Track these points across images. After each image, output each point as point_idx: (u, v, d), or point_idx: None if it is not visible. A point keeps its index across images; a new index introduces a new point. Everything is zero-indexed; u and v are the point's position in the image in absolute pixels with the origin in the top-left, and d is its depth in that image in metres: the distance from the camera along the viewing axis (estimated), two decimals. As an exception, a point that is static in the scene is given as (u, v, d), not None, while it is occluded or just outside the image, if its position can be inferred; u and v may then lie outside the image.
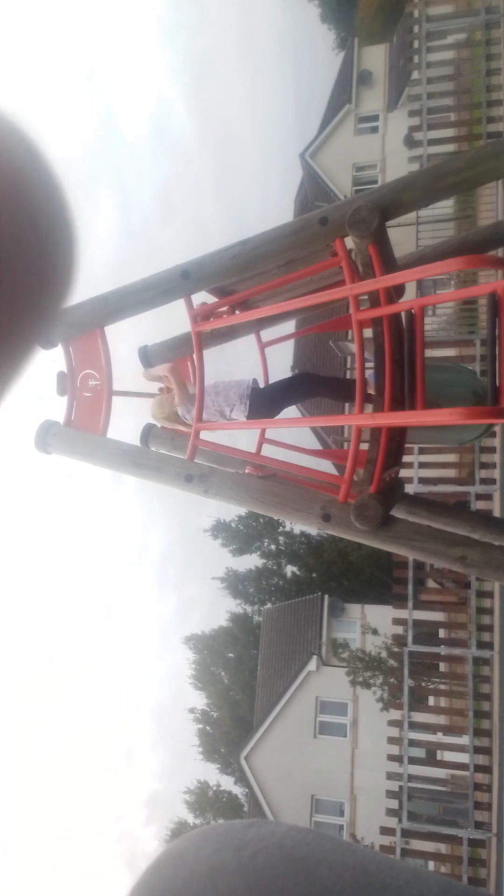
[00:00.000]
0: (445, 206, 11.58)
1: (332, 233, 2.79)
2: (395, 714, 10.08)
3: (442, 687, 10.39)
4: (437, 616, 11.34)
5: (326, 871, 0.48)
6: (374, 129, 20.96)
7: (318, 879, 0.48)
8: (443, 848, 10.09)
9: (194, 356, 3.32)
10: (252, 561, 29.45)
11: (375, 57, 21.43)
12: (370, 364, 2.83)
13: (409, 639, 9.64)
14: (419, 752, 10.41)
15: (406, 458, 8.61)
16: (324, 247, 2.93)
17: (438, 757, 11.33)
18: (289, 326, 4.85)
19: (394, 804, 9.49)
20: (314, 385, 3.90)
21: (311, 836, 0.52)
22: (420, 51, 10.51)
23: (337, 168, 20.76)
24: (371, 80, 21.15)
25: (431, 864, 9.91)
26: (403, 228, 9.75)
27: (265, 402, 3.49)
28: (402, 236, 8.34)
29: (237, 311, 3.60)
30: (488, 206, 11.13)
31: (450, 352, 10.62)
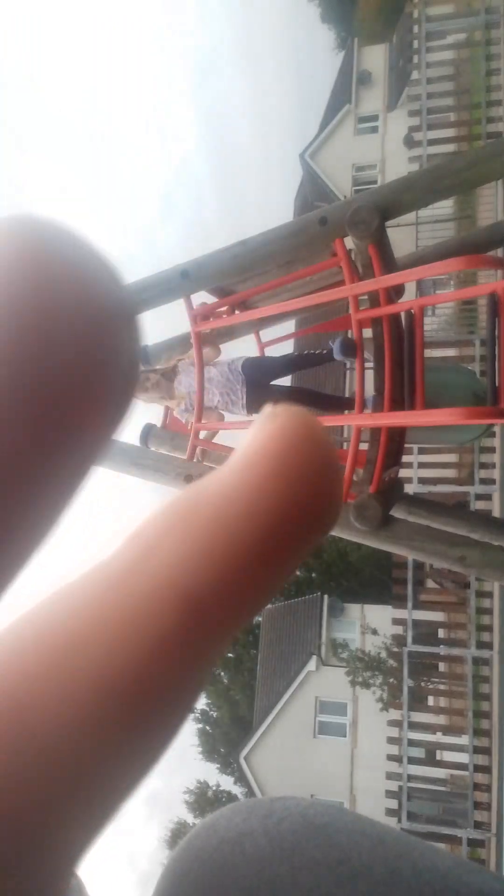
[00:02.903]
0: (445, 207, 11.58)
1: (332, 233, 2.80)
2: (394, 714, 10.09)
3: (441, 687, 10.40)
4: (436, 616, 11.35)
5: (345, 838, 0.52)
6: (374, 130, 20.96)
7: (336, 844, 0.51)
8: (442, 848, 10.10)
9: (194, 356, 3.33)
10: (251, 561, 29.46)
11: (375, 57, 21.44)
12: (370, 364, 2.84)
13: (409, 639, 9.65)
14: (419, 753, 10.42)
15: (406, 459, 8.62)
16: (323, 247, 2.94)
17: (438, 757, 11.34)
18: (288, 326, 4.85)
19: (393, 804, 9.50)
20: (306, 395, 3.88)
21: (332, 809, 0.56)
22: (420, 51, 10.51)
23: (336, 168, 20.77)
24: (371, 80, 21.17)
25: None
26: (403, 229, 9.76)
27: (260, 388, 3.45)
28: (402, 236, 8.35)
29: (237, 312, 3.60)
30: (488, 207, 11.13)
31: (449, 352, 10.63)
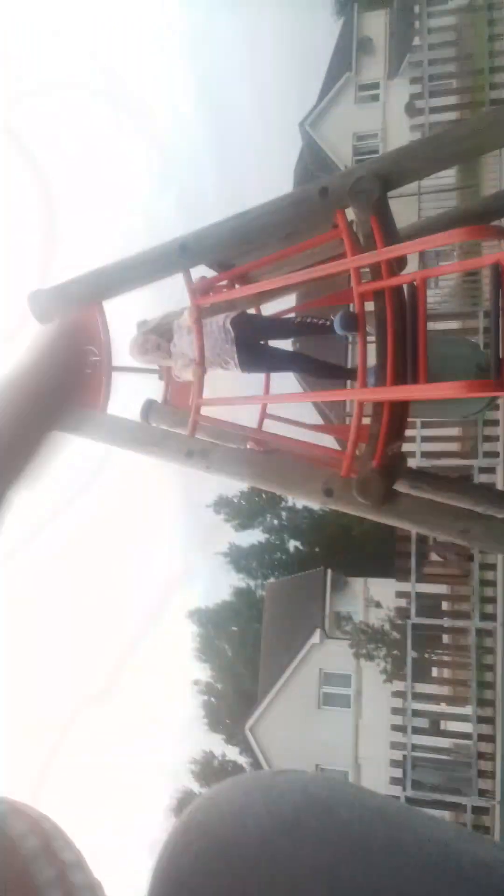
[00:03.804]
0: (448, 176, 11.40)
1: (333, 204, 2.75)
2: (398, 685, 10.19)
3: (445, 658, 10.49)
4: (440, 589, 11.41)
5: (346, 811, 0.52)
6: (375, 98, 20.62)
7: (338, 817, 0.52)
8: (446, 816, 10.25)
9: (194, 331, 3.29)
10: (255, 536, 29.60)
11: (376, 23, 21.02)
12: (372, 337, 2.80)
13: (413, 611, 9.71)
14: (423, 723, 10.53)
15: (409, 433, 8.59)
16: (324, 219, 2.89)
17: (442, 727, 11.48)
18: (289, 300, 4.80)
19: (398, 773, 9.63)
20: (306, 361, 3.84)
21: (333, 782, 0.57)
22: (421, 16, 10.29)
23: (337, 138, 20.47)
24: (371, 47, 20.77)
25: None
26: (405, 199, 9.63)
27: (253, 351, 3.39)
28: (404, 207, 8.24)
29: (237, 286, 3.56)
30: (492, 176, 10.97)
31: (452, 324, 10.54)
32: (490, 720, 9.07)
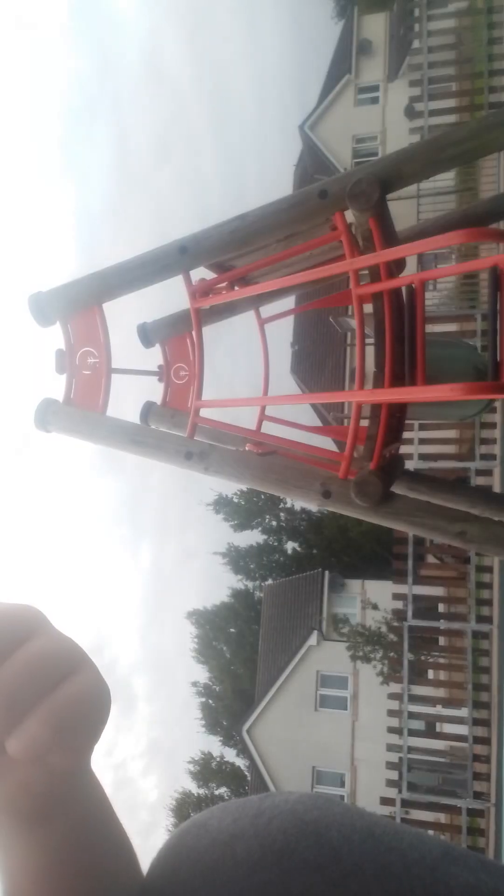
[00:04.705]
0: (447, 179, 11.45)
1: (332, 206, 2.75)
2: (394, 687, 10.18)
3: (441, 661, 10.49)
4: (436, 591, 11.42)
5: (335, 834, 0.52)
6: (375, 100, 20.64)
7: (327, 842, 0.51)
8: (442, 817, 10.26)
9: (193, 333, 3.30)
10: (253, 537, 29.60)
11: (376, 26, 21.06)
12: (370, 340, 2.81)
13: (409, 613, 9.71)
14: (419, 725, 10.53)
15: (406, 435, 8.60)
16: (323, 220, 2.89)
17: (438, 729, 11.48)
18: (288, 302, 4.82)
19: (394, 775, 9.62)
20: None
21: (321, 801, 0.56)
22: (421, 19, 10.31)
23: (336, 140, 20.49)
24: (371, 50, 20.80)
25: (431, 834, 10.05)
26: (404, 202, 9.65)
27: None
28: (404, 209, 8.26)
29: (236, 287, 3.56)
30: (490, 179, 11.00)
31: (450, 327, 10.56)
32: (485, 722, 9.07)
